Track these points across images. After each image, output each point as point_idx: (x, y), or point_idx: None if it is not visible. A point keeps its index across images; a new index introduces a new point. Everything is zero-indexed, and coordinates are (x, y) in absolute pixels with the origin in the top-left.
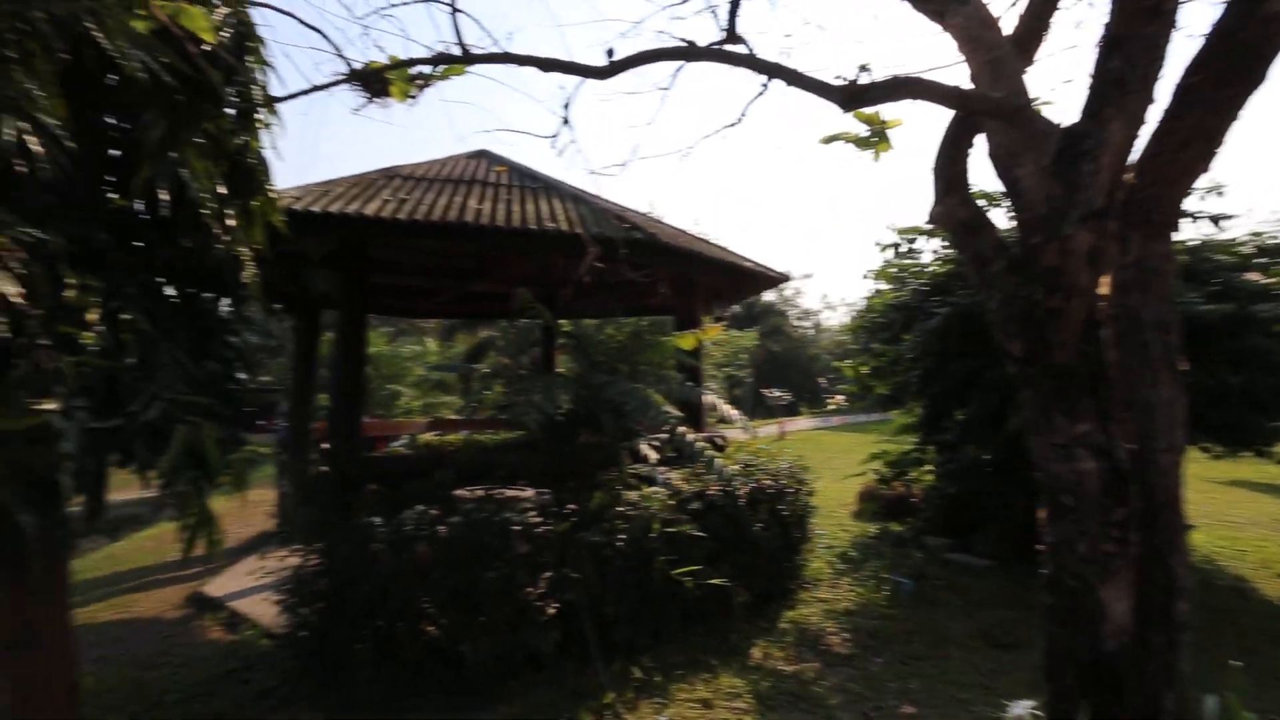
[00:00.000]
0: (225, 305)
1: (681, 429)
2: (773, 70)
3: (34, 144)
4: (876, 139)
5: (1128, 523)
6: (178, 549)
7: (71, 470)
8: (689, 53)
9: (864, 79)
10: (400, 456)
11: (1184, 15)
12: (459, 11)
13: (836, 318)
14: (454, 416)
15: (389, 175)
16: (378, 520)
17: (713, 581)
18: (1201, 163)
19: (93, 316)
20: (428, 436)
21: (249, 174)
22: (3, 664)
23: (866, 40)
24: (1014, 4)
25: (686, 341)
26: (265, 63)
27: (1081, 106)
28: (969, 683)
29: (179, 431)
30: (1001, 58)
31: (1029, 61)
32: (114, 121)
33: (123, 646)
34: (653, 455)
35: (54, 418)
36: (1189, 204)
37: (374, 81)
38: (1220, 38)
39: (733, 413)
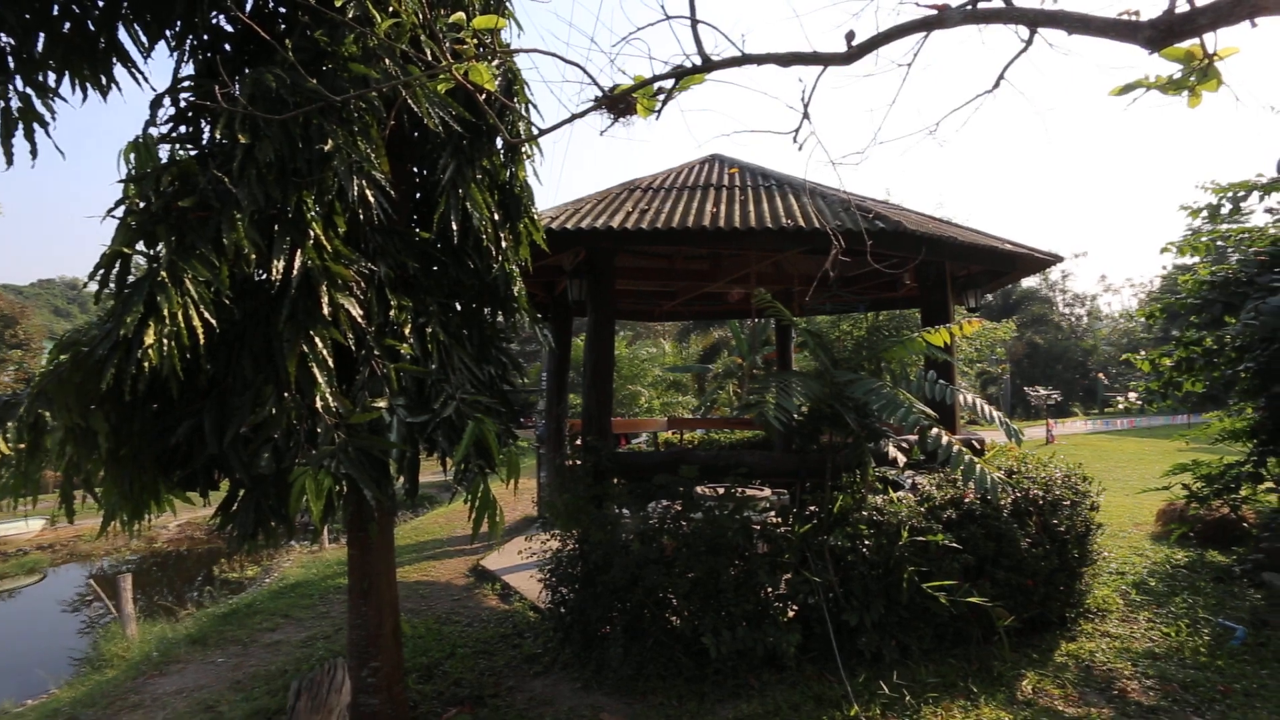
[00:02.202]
0: (499, 316)
1: (934, 430)
2: (1048, 18)
3: (369, 194)
4: (1196, 78)
5: None
6: (466, 526)
7: (396, 455)
8: (938, 20)
9: (1182, 6)
10: (646, 452)
11: None
12: (700, 23)
13: (1119, 302)
14: (689, 416)
15: (629, 188)
16: (626, 511)
17: (971, 600)
18: None
19: (407, 331)
20: (666, 434)
21: (517, 201)
22: (354, 606)
23: None
24: None
25: (938, 337)
26: (529, 101)
27: None
28: None
29: (469, 426)
30: None
31: None
32: (416, 169)
33: (425, 603)
34: (901, 458)
35: (384, 413)
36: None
37: (619, 103)
38: None
39: (993, 413)
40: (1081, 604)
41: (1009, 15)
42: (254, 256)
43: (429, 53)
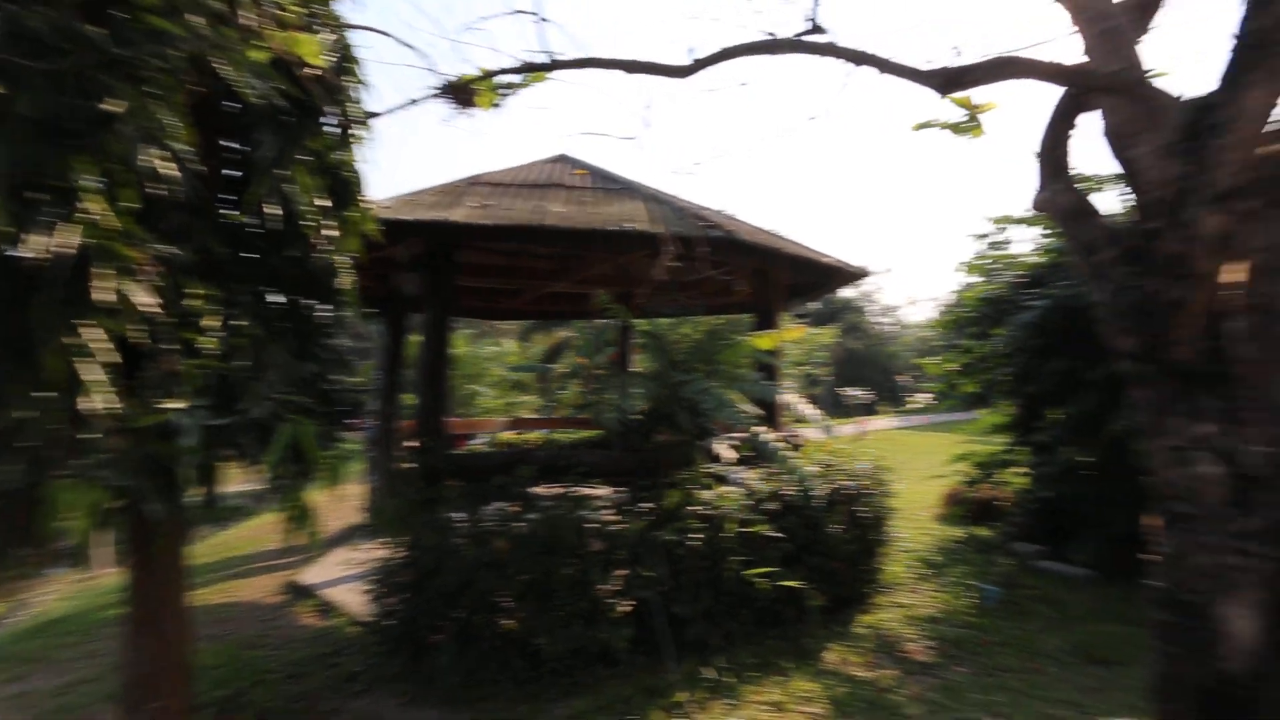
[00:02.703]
0: (323, 310)
1: (758, 428)
2: (861, 58)
3: (168, 168)
4: (971, 124)
5: (1257, 534)
6: (278, 538)
7: (191, 463)
8: (772, 45)
9: (961, 61)
10: (481, 454)
11: None
12: (545, 20)
13: (921, 314)
14: (532, 415)
15: (473, 182)
16: (460, 515)
17: (787, 584)
18: None
19: (212, 323)
20: (507, 435)
21: (346, 187)
22: (132, 639)
23: (956, 25)
24: None
25: (765, 341)
26: (362, 81)
27: (1219, 75)
28: (1062, 699)
29: (282, 428)
30: (1116, 28)
31: (1144, 31)
32: (231, 144)
33: (229, 627)
34: (729, 454)
35: (177, 415)
36: None
37: (462, 93)
38: None
39: (811, 411)
40: (878, 580)
41: (831, 50)
42: (9, 230)
43: (249, 18)
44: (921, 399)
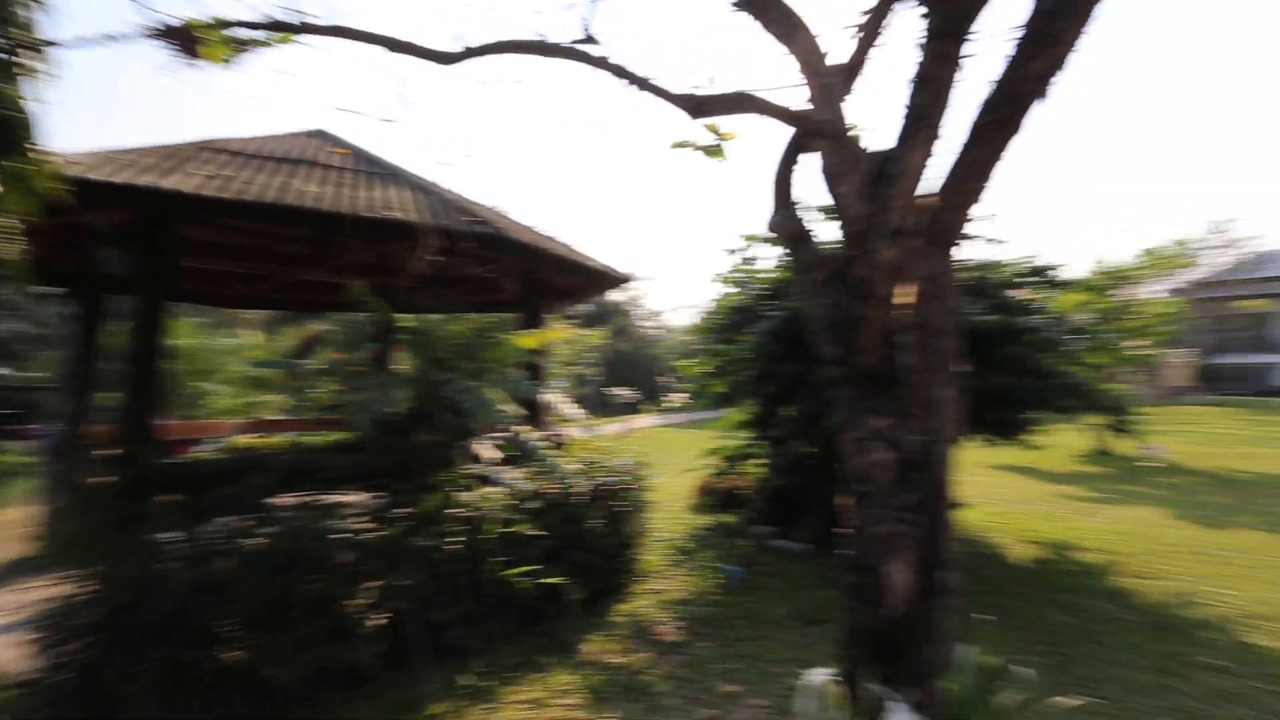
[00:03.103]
0: None
1: (521, 428)
2: (624, 74)
3: None
4: (717, 149)
5: (912, 506)
6: None
7: None
8: (543, 48)
9: (709, 90)
10: (204, 461)
11: (981, 62)
12: None
13: (684, 319)
14: (277, 417)
15: (205, 148)
16: (172, 535)
17: (549, 581)
18: (981, 191)
19: None
20: (245, 439)
21: (11, 129)
22: None
23: (727, 54)
24: (855, 35)
25: (530, 340)
26: (38, 1)
27: (896, 135)
28: (784, 658)
29: None
30: (831, 85)
31: (849, 90)
32: None
33: None
34: (491, 455)
35: None
36: (976, 228)
37: (185, 39)
38: (1001, 85)
39: (574, 411)
40: (635, 569)
41: (596, 62)
42: None
43: None
44: (677, 399)
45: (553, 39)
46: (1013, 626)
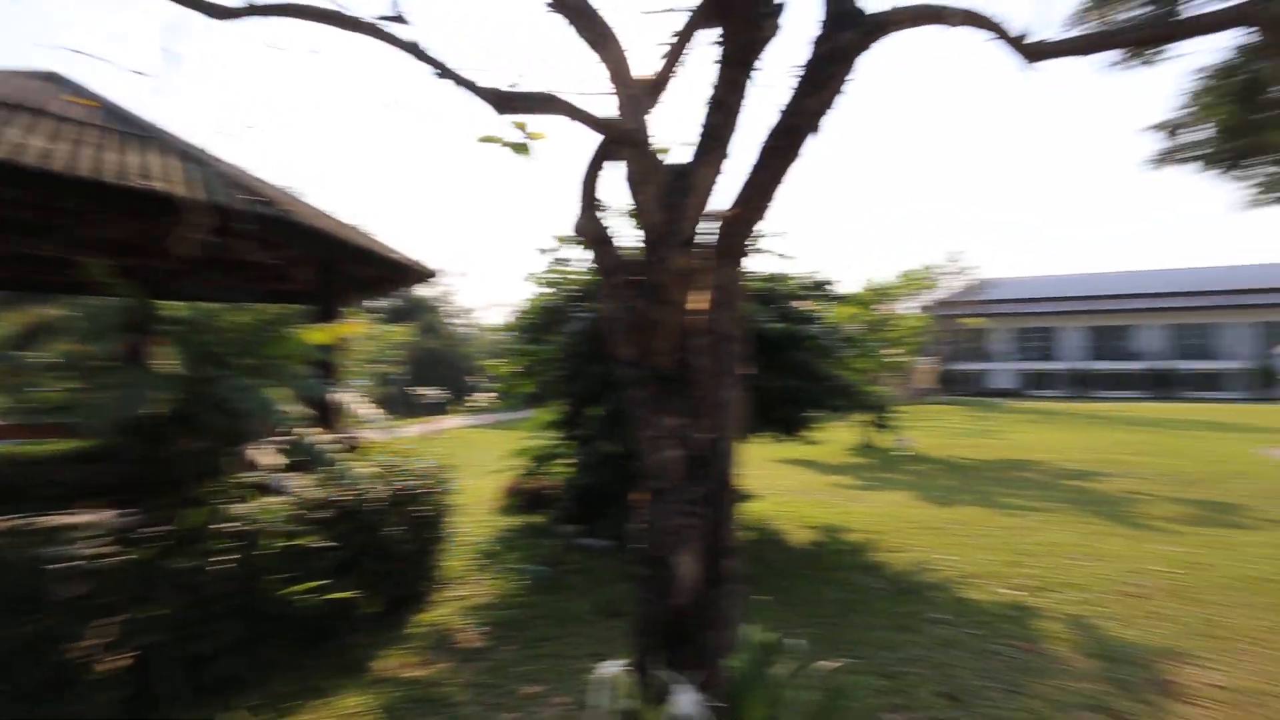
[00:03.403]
0: None
1: (309, 430)
2: (427, 59)
3: None
4: (523, 147)
5: (701, 499)
6: None
7: None
8: (339, 19)
9: (516, 87)
10: None
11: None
12: None
13: (496, 317)
14: None
15: None
16: None
17: (337, 595)
18: (765, 209)
19: None
20: None
21: None
22: None
23: (543, 54)
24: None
25: (322, 335)
26: None
27: (693, 151)
28: (587, 654)
29: None
30: (638, 97)
31: (654, 103)
32: None
33: None
34: (272, 461)
35: None
36: (767, 243)
37: None
38: (782, 117)
39: (371, 412)
40: (437, 576)
41: (398, 42)
42: None
43: None
44: (486, 398)
45: (355, 11)
46: (791, 604)
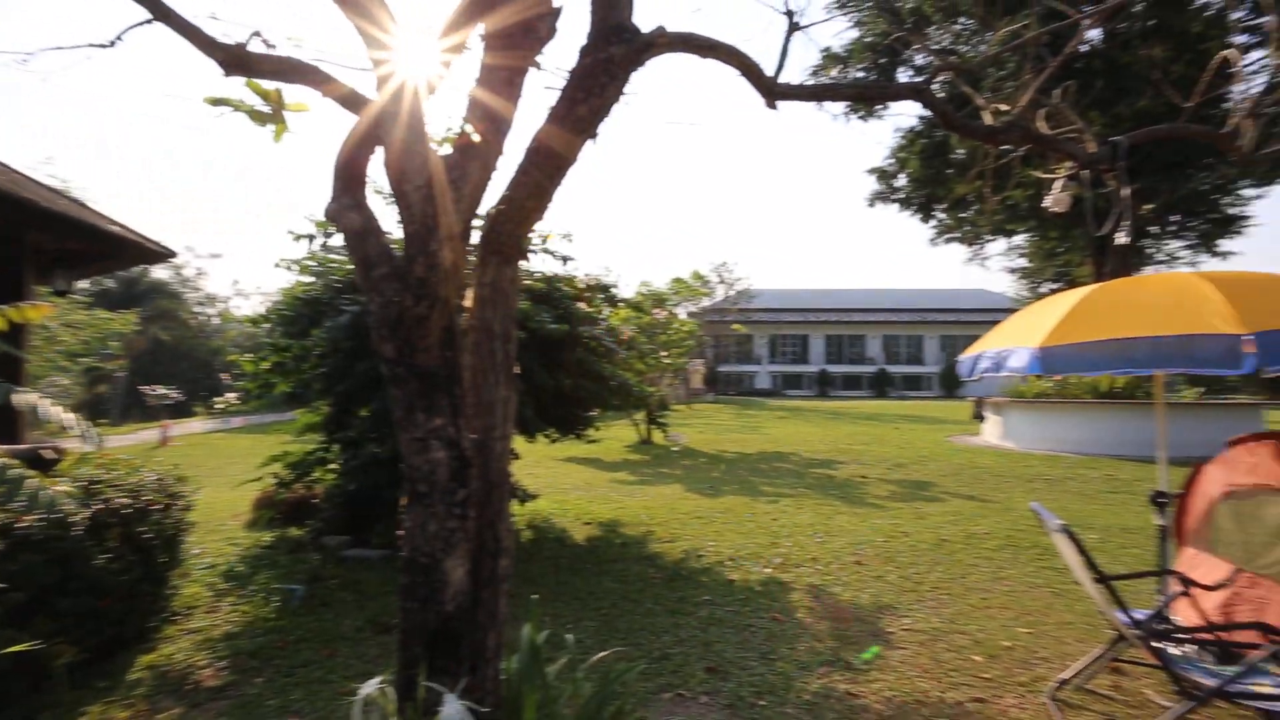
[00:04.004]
0: None
1: None
2: (157, 9)
3: None
4: (274, 117)
5: (468, 501)
6: None
7: None
8: None
9: (255, 46)
10: None
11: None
12: None
13: (249, 306)
14: None
15: None
16: None
17: (13, 649)
18: (540, 211)
19: None
20: None
21: None
22: None
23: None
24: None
25: None
26: None
27: (458, 146)
28: (354, 674)
29: None
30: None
31: (430, 91)
32: None
33: None
34: None
35: None
36: (550, 243)
37: None
38: (551, 121)
39: (69, 418)
40: (168, 609)
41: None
42: None
43: None
44: (232, 398)
45: None
46: (572, 599)
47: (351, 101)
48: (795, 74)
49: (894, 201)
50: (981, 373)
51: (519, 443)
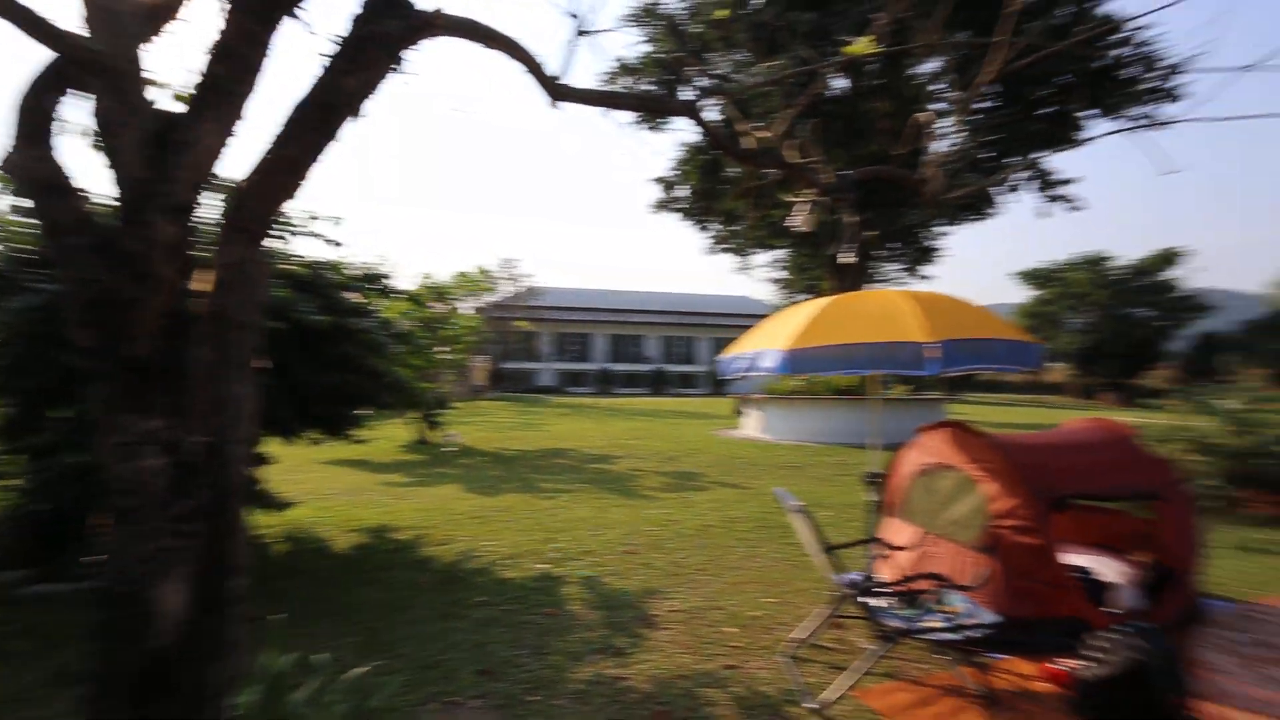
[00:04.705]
0: None
1: None
2: None
3: None
4: None
5: (194, 515)
6: None
7: None
8: None
9: None
10: None
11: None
12: None
13: None
14: None
15: None
16: None
17: None
18: (293, 188)
19: None
20: None
21: None
22: None
23: None
24: None
25: None
26: None
27: (189, 102)
28: None
29: None
30: (121, 15)
31: (154, 31)
32: None
33: None
34: None
35: None
36: (315, 226)
37: None
38: (315, 91)
39: None
40: None
41: None
42: None
43: None
44: None
45: None
46: (331, 614)
47: (41, 32)
48: (590, 80)
49: (675, 210)
50: (738, 372)
51: (276, 446)
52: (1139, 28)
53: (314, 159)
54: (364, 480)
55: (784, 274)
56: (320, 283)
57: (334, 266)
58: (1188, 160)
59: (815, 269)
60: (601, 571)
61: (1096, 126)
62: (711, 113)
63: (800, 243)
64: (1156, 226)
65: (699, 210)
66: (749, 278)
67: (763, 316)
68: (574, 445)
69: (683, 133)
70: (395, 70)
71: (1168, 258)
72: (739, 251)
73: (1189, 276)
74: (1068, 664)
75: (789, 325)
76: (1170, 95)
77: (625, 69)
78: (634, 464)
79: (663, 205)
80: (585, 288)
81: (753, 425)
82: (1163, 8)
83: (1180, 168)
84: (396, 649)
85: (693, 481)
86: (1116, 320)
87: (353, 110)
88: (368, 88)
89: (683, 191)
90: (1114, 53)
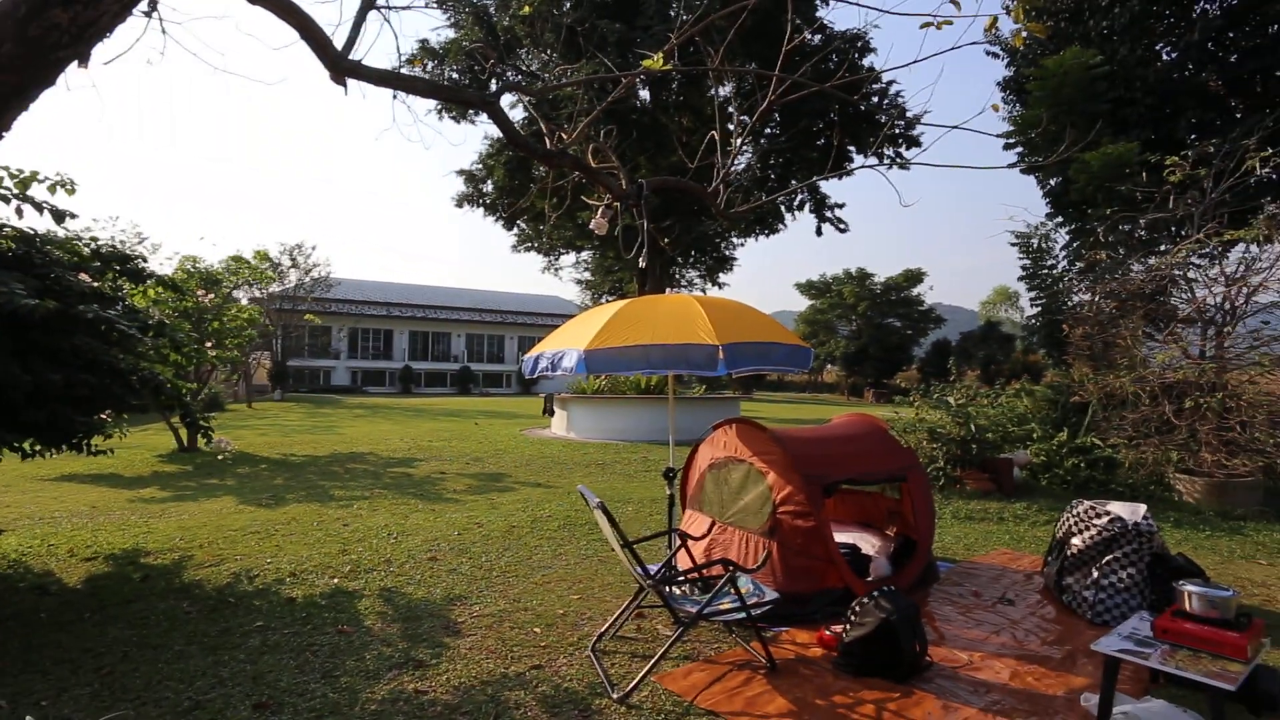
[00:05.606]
0: None
1: None
2: None
3: None
4: None
5: None
6: None
7: None
8: None
9: None
10: None
11: None
12: None
13: None
14: None
15: None
16: None
17: None
18: None
19: None
20: None
21: None
22: None
23: None
24: None
25: None
26: None
27: None
28: None
29: None
30: None
31: None
32: None
33: None
34: None
35: None
36: (41, 193)
37: None
38: (17, 23)
39: None
40: None
41: None
42: None
43: None
44: None
45: None
46: (57, 662)
47: None
48: (388, 60)
49: (480, 206)
50: (540, 371)
51: None
52: (889, 82)
53: (14, 110)
54: (108, 498)
55: (589, 275)
56: (39, 261)
57: (63, 243)
58: (922, 194)
59: (620, 271)
60: (401, 582)
61: (858, 160)
62: (519, 110)
63: (604, 245)
64: (908, 249)
65: (505, 207)
66: (558, 278)
67: (572, 316)
68: (372, 449)
69: (491, 126)
70: (122, 14)
71: (912, 276)
72: (545, 251)
73: (926, 293)
74: (836, 629)
75: (590, 326)
76: (910, 140)
77: (430, 52)
78: (438, 466)
79: (468, 200)
80: (386, 281)
81: (560, 424)
82: (905, 65)
83: (914, 201)
84: (149, 693)
85: (499, 483)
86: (876, 328)
87: (66, 53)
88: (86, 29)
89: (489, 187)
90: (873, 100)
